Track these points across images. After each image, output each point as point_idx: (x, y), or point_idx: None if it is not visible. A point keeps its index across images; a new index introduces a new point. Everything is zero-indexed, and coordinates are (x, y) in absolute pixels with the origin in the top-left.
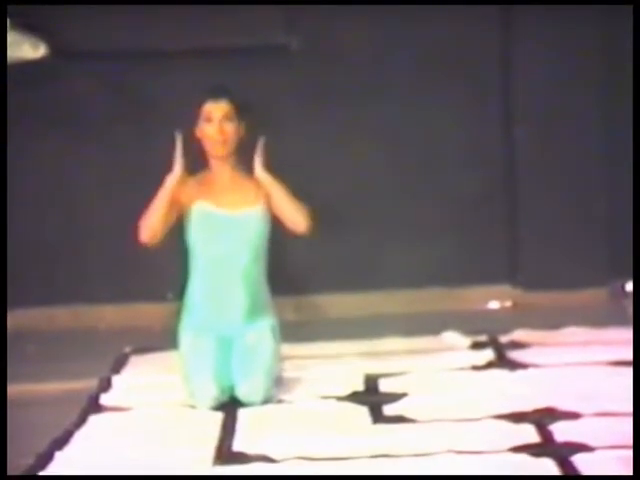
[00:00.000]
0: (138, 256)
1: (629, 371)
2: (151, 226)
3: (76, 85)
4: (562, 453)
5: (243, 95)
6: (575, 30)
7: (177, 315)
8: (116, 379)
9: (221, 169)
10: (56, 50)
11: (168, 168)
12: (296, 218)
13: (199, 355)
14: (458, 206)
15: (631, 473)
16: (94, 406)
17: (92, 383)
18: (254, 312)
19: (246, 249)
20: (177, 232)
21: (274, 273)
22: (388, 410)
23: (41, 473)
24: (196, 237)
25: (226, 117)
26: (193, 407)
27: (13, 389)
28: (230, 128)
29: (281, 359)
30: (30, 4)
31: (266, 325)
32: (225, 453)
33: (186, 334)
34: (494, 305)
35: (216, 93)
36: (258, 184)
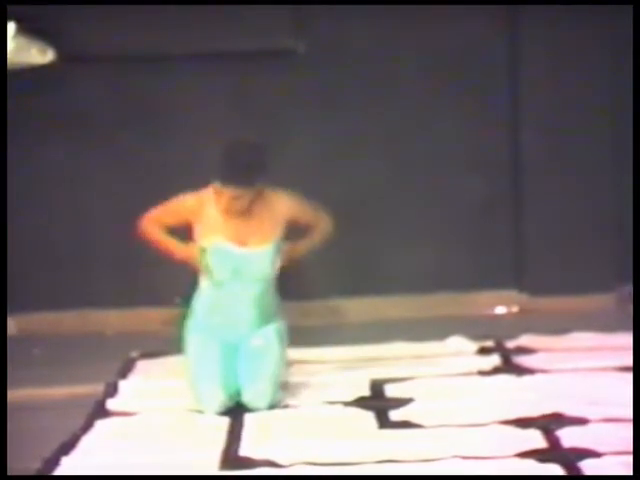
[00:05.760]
0: (145, 260)
1: None
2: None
3: (83, 90)
4: (569, 459)
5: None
6: (583, 34)
7: (182, 320)
8: (123, 384)
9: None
10: (63, 55)
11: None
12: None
13: (205, 360)
14: (465, 211)
15: None
16: (101, 411)
17: (99, 388)
18: (262, 322)
19: (258, 281)
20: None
21: (282, 278)
22: (394, 415)
23: None
24: (209, 265)
25: (236, 198)
26: (200, 412)
27: (20, 393)
28: (239, 206)
29: (288, 363)
30: (30, 4)
31: (272, 329)
32: (231, 458)
33: (192, 338)
34: (501, 310)
35: (237, 182)
36: (273, 211)
